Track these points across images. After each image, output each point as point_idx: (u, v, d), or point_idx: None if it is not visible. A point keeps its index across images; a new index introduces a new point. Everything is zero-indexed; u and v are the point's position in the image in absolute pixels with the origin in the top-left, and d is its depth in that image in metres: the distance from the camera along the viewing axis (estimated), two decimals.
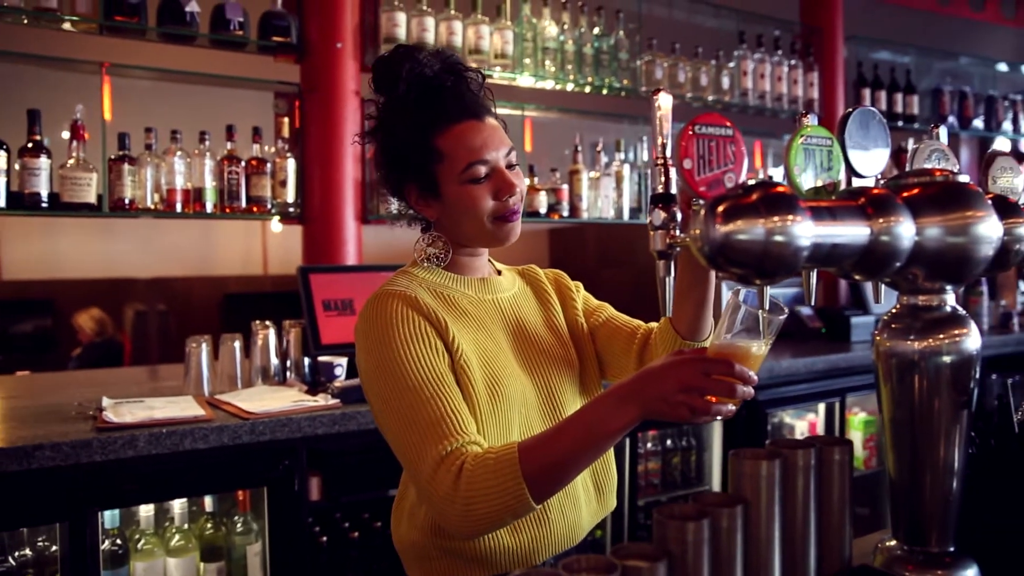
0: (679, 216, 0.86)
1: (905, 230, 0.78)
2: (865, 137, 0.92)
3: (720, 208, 0.70)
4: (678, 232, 0.85)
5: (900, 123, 4.12)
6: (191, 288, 6.22)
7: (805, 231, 0.71)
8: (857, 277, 0.84)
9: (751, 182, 0.75)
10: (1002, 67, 4.89)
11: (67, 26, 2.31)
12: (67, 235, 5.93)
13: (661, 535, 0.73)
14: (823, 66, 3.81)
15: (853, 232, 0.76)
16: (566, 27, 3.07)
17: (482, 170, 1.15)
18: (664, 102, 0.85)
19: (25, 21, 2.26)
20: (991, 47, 5.29)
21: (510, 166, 1.18)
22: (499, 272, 1.31)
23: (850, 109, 0.93)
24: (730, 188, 0.73)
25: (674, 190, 0.85)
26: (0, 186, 2.13)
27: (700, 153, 0.78)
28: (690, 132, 0.78)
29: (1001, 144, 5.58)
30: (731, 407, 0.97)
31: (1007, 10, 4.62)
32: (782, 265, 0.71)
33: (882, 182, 0.92)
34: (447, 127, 1.15)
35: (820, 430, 3.07)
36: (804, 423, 3.15)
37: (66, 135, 2.24)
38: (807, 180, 0.86)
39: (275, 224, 3.86)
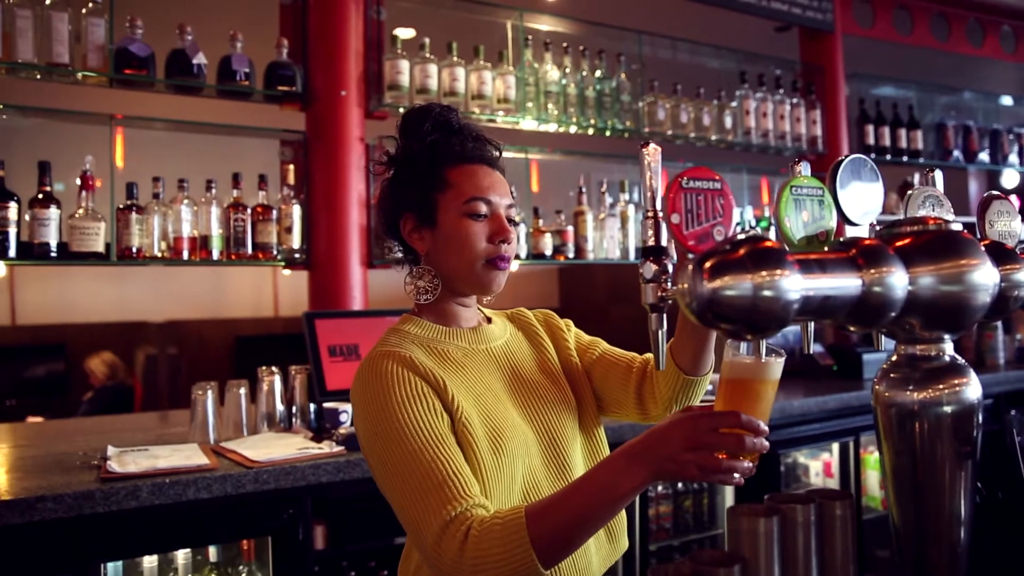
0: (671, 268, 0.86)
1: (897, 280, 0.78)
2: (858, 185, 0.92)
3: (707, 264, 0.70)
4: (669, 284, 0.84)
5: (904, 158, 4.13)
6: (202, 331, 6.25)
7: (793, 285, 0.70)
8: (852, 328, 0.83)
9: (740, 237, 0.74)
10: (1006, 101, 4.91)
11: (79, 77, 2.37)
12: (80, 280, 6.00)
13: None
14: (825, 104, 3.83)
15: (844, 284, 0.76)
16: (568, 71, 3.11)
17: (483, 207, 1.17)
18: (653, 154, 0.86)
19: (39, 77, 2.32)
20: (993, 81, 5.31)
21: (509, 220, 1.20)
22: (489, 320, 1.30)
23: (842, 157, 0.93)
24: (718, 243, 0.73)
25: (664, 242, 0.85)
26: (11, 236, 2.16)
27: (688, 207, 0.78)
28: (678, 186, 0.78)
29: (1010, 177, 5.58)
30: (748, 464, 0.94)
31: (1007, 45, 4.65)
32: (772, 319, 0.71)
33: (877, 229, 0.92)
34: (460, 164, 1.19)
35: (835, 470, 3.02)
36: (819, 463, 3.10)
37: (67, 185, 2.28)
38: (798, 230, 0.86)
39: None
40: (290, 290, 6.65)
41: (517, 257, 2.98)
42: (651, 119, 3.32)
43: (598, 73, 3.20)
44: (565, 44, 3.15)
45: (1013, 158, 4.63)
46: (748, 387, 0.96)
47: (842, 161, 0.92)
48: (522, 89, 2.99)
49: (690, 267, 0.72)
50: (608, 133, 3.22)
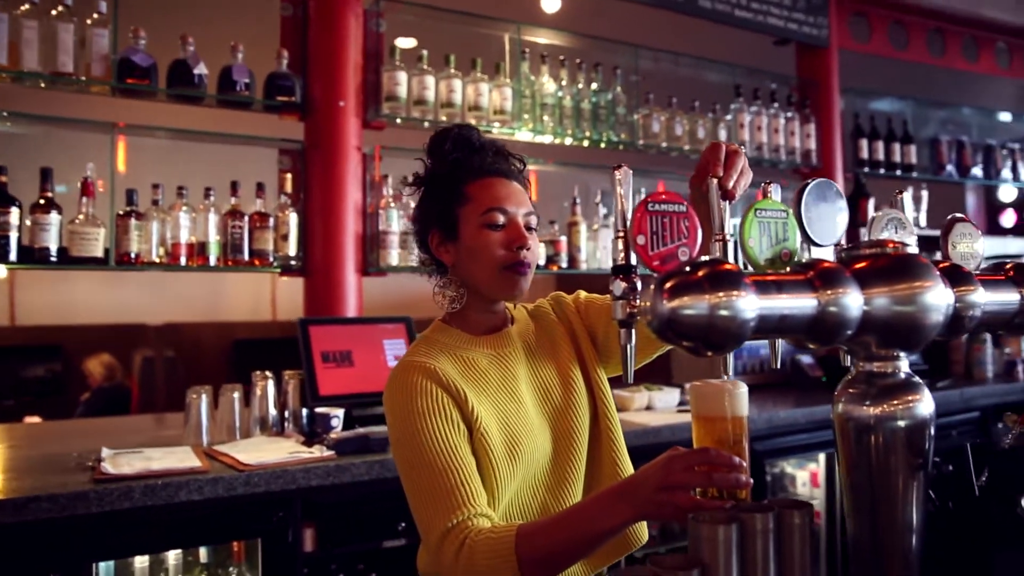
0: (639, 285, 0.89)
1: (852, 301, 0.82)
2: (822, 207, 0.96)
3: (667, 285, 0.74)
4: (638, 302, 0.88)
5: (898, 172, 4.17)
6: (200, 334, 6.29)
7: (749, 305, 0.74)
8: (812, 345, 0.87)
9: (702, 259, 0.79)
10: (1005, 117, 4.95)
11: (83, 86, 2.41)
12: (78, 282, 6.04)
13: None
14: (819, 118, 3.88)
15: (799, 304, 0.80)
16: (564, 83, 3.16)
17: (500, 217, 1.23)
18: (624, 176, 0.90)
19: (43, 85, 2.36)
20: (989, 96, 5.36)
21: (528, 227, 1.26)
22: (513, 320, 1.35)
23: (807, 181, 0.97)
24: (679, 264, 0.77)
25: (634, 261, 0.89)
26: (12, 241, 2.21)
27: (653, 229, 0.82)
28: (644, 208, 0.82)
29: (1007, 192, 5.61)
30: (727, 503, 0.96)
31: (1001, 61, 4.70)
32: (729, 337, 0.75)
33: (840, 252, 0.96)
34: (478, 178, 1.26)
35: (822, 480, 3.05)
36: (806, 473, 3.13)
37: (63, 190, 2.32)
38: (762, 251, 0.90)
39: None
40: (288, 295, 6.68)
41: None
42: (646, 131, 3.37)
43: (594, 86, 3.24)
44: (562, 57, 3.20)
45: (1006, 173, 4.67)
46: (713, 422, 1.01)
47: (808, 184, 0.96)
48: (518, 101, 3.04)
49: (651, 287, 0.76)
50: (603, 145, 3.27)
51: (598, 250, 3.22)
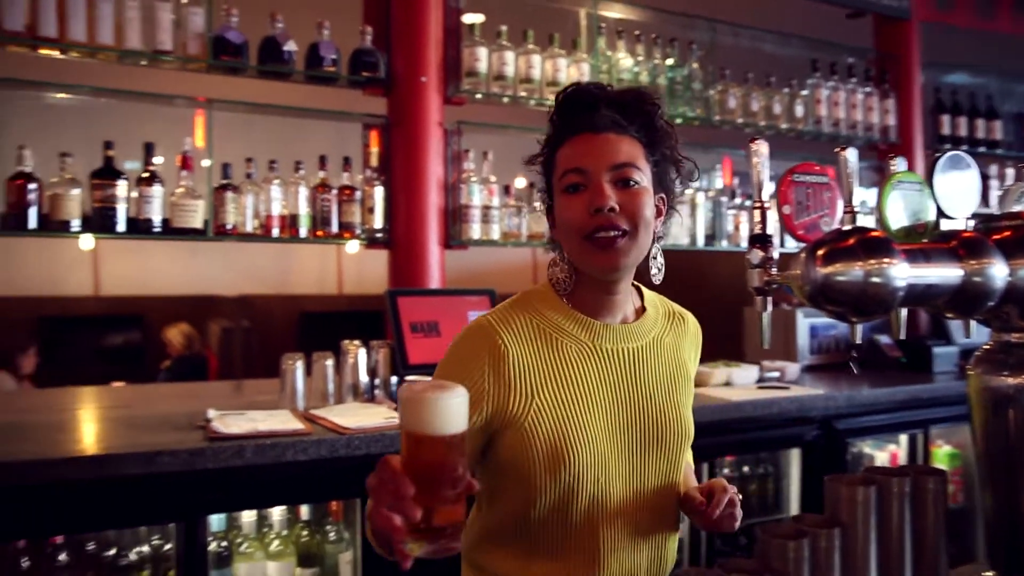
0: (776, 255, 0.92)
1: (998, 271, 0.83)
2: (955, 180, 0.97)
3: (820, 252, 0.76)
4: (774, 270, 0.91)
5: (982, 149, 4.04)
6: (271, 306, 6.49)
7: (901, 272, 0.76)
8: (950, 315, 0.88)
9: (847, 227, 0.80)
10: None
11: (180, 64, 2.50)
12: (157, 254, 6.28)
13: (764, 552, 0.79)
14: (899, 93, 3.77)
15: (946, 273, 0.81)
16: (640, 59, 3.14)
17: (576, 178, 1.07)
18: (762, 149, 0.92)
19: (144, 63, 2.46)
20: None
21: (624, 181, 1.07)
22: (642, 311, 1.19)
23: (940, 153, 0.97)
24: (828, 232, 0.79)
25: (771, 231, 0.91)
26: (121, 212, 2.33)
27: (798, 199, 0.84)
28: (789, 179, 0.84)
29: None
30: (411, 544, 0.79)
31: None
32: (879, 304, 0.77)
33: (972, 223, 0.96)
34: (566, 140, 1.11)
35: (902, 462, 3.02)
36: (885, 454, 3.10)
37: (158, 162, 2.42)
38: (899, 222, 0.91)
39: (351, 245, 4.04)
40: (354, 269, 6.84)
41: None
42: (722, 107, 3.34)
43: (669, 61, 3.22)
44: (637, 32, 3.18)
45: None
46: (411, 438, 0.82)
47: (941, 156, 0.97)
48: (596, 76, 3.04)
49: (802, 255, 0.78)
50: (679, 121, 3.24)
51: (674, 225, 3.20)
